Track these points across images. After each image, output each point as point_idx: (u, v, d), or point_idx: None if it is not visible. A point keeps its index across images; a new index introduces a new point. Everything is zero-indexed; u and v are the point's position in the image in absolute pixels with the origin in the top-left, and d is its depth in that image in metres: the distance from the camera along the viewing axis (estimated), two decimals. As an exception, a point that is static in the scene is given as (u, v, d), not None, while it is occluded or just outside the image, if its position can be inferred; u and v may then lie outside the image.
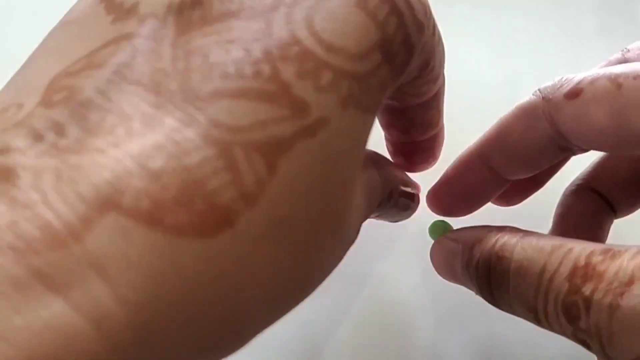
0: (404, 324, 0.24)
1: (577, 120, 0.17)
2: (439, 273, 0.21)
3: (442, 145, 0.22)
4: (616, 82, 0.17)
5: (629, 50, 0.20)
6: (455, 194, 0.21)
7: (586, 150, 0.19)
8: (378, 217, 0.21)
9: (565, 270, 0.16)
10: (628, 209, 0.22)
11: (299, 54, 0.12)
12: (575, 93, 0.17)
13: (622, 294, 0.14)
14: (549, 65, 0.27)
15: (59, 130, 0.11)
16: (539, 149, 0.19)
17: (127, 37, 0.12)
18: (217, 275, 0.11)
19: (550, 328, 0.17)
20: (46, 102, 0.11)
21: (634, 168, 0.21)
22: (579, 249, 0.16)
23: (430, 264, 0.21)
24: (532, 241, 0.17)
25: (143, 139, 0.11)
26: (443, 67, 0.18)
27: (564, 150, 0.19)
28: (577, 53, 0.29)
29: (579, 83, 0.17)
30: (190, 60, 0.12)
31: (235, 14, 0.12)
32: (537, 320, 0.17)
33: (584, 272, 0.15)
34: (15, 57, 0.32)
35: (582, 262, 0.15)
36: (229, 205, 0.11)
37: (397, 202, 0.20)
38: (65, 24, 0.14)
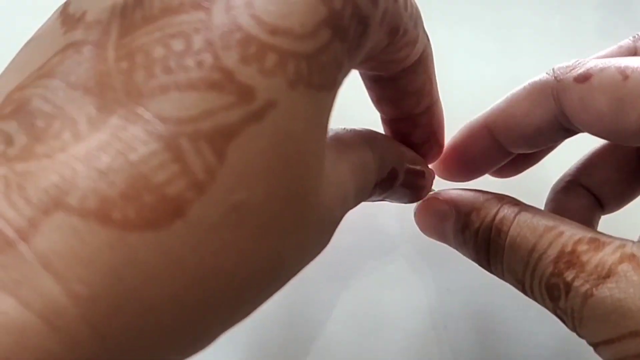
0: (403, 324, 0.24)
1: (581, 104, 0.18)
2: (423, 231, 0.22)
3: (442, 126, 0.22)
4: (624, 74, 0.17)
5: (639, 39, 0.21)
6: (460, 160, 0.22)
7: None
8: (385, 198, 0.20)
9: (552, 252, 0.17)
10: (616, 205, 0.23)
11: (241, 40, 0.12)
12: (584, 77, 0.18)
13: (597, 285, 0.16)
14: (549, 65, 0.27)
15: (8, 140, 0.11)
16: (543, 127, 0.20)
17: (74, 44, 0.12)
18: (174, 265, 0.11)
19: (535, 300, 0.18)
20: None
21: (622, 164, 0.22)
22: (569, 234, 0.17)
23: (430, 264, 0.21)
24: (528, 218, 0.18)
25: (89, 140, 0.11)
26: (420, 28, 0.18)
27: (567, 132, 0.20)
28: (578, 53, 0.29)
29: (590, 69, 0.18)
30: (133, 59, 0.12)
31: (176, 9, 0.12)
32: (524, 292, 0.18)
33: (569, 258, 0.17)
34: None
35: (569, 248, 0.17)
36: (179, 195, 0.11)
37: (404, 182, 0.20)
38: (28, 42, 0.14)
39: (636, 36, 0.21)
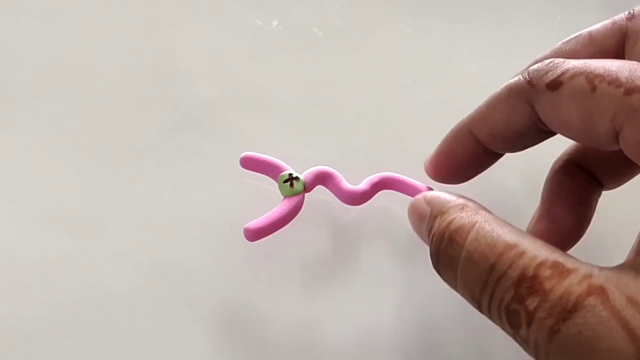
0: (401, 325, 0.24)
1: (553, 111, 0.18)
2: (413, 230, 0.21)
3: None
4: (592, 83, 0.17)
5: (633, 16, 0.21)
6: (448, 165, 0.22)
7: None
8: None
9: (513, 274, 0.16)
10: (615, 182, 0.22)
11: None
12: (555, 85, 0.18)
13: (564, 320, 0.15)
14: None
15: None
16: (523, 130, 0.20)
17: None
18: None
19: (492, 320, 0.17)
20: None
21: None
22: (531, 255, 0.16)
23: (429, 264, 0.21)
24: (487, 233, 0.17)
25: None
26: None
27: (548, 133, 0.20)
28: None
29: (561, 75, 0.18)
30: None
31: None
32: (480, 310, 0.17)
33: (531, 284, 0.15)
34: (16, 58, 0.32)
35: (530, 272, 0.16)
36: None
37: None
38: None
39: (630, 12, 0.21)
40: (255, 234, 0.23)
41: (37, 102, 0.28)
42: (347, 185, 0.25)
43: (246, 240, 0.23)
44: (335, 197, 0.25)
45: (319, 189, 0.25)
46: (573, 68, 0.18)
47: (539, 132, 0.20)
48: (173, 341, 0.23)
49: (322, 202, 0.26)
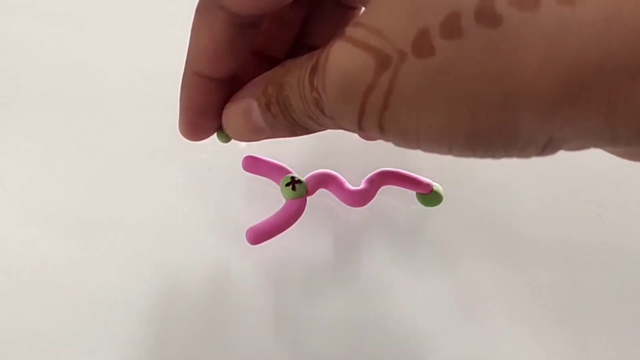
0: (403, 327, 0.24)
1: None
2: (238, 138, 0.21)
3: None
4: None
5: None
6: (199, 115, 0.21)
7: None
8: None
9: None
10: None
11: None
12: None
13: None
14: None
15: None
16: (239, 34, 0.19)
17: None
18: None
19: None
20: None
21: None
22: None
23: (429, 267, 0.21)
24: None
25: None
26: None
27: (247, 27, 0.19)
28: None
29: None
30: None
31: None
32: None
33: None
34: (17, 61, 0.32)
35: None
36: None
37: None
38: None
39: None
40: (257, 237, 0.23)
41: (39, 105, 0.28)
42: (350, 187, 0.25)
43: (248, 243, 0.24)
44: (337, 200, 0.25)
45: (321, 192, 0.25)
46: None
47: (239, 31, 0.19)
48: (174, 343, 0.23)
49: (324, 205, 0.26)
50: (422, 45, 0.14)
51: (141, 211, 0.26)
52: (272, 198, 0.25)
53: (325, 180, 0.25)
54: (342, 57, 0.16)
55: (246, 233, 0.23)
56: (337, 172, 0.25)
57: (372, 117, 0.15)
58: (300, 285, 0.25)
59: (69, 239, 0.25)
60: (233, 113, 0.21)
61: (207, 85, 0.21)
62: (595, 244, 0.26)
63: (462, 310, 0.24)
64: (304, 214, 0.24)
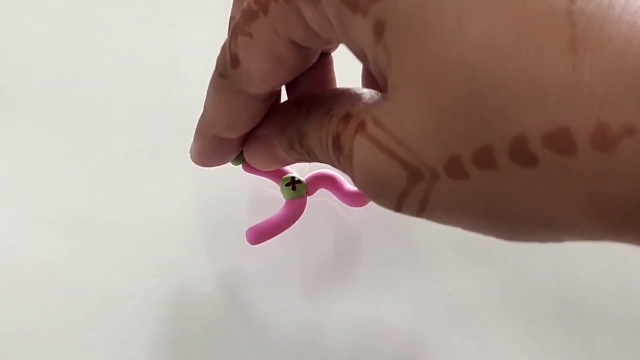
0: (402, 329, 0.24)
1: None
2: (260, 167, 0.22)
3: None
4: None
5: None
6: (215, 162, 0.22)
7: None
8: None
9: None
10: None
11: None
12: None
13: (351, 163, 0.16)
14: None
15: None
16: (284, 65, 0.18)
17: None
18: None
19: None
20: None
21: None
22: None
23: (430, 268, 0.21)
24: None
25: None
26: None
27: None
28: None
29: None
30: None
31: None
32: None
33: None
34: (18, 62, 0.32)
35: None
36: None
37: None
38: None
39: None
40: (257, 237, 0.23)
41: (39, 106, 0.28)
42: (350, 187, 0.25)
43: (248, 244, 0.24)
44: (337, 200, 0.25)
45: (321, 192, 0.25)
46: None
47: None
48: (175, 343, 0.23)
49: (324, 205, 0.26)
50: (455, 169, 0.14)
51: (141, 211, 0.26)
52: (272, 198, 0.25)
53: (325, 180, 0.25)
54: (369, 158, 0.15)
55: (246, 233, 0.23)
56: (337, 172, 0.25)
57: (410, 212, 0.16)
58: (300, 285, 0.25)
59: (69, 239, 0.25)
60: (256, 151, 0.21)
61: (226, 142, 0.21)
62: (595, 243, 0.26)
63: (462, 310, 0.24)
64: (304, 214, 0.24)
